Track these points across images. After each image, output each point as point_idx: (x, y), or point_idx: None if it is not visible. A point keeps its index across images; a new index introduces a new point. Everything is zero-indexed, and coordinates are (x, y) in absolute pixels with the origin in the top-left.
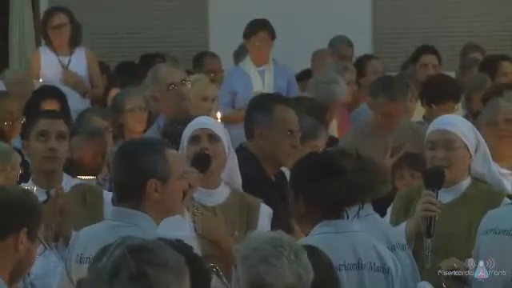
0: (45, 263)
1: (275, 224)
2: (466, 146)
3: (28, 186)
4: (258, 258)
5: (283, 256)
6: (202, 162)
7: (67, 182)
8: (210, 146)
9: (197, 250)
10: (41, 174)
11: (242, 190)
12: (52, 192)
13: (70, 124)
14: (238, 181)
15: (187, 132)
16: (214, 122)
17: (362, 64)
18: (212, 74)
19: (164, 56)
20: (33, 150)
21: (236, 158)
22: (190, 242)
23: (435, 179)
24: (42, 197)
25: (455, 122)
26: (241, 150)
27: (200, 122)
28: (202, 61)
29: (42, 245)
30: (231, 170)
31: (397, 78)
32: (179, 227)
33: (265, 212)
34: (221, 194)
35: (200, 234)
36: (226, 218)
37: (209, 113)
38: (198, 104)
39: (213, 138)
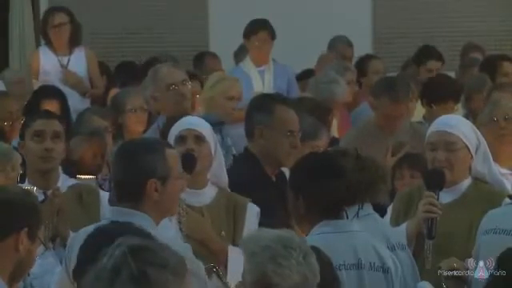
0: (42, 263)
1: (275, 224)
2: (466, 146)
3: (26, 186)
4: (266, 257)
5: (292, 257)
6: (188, 162)
7: (64, 182)
8: (195, 147)
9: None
10: (37, 174)
11: (228, 189)
12: (49, 192)
13: (70, 124)
14: (225, 179)
15: (174, 132)
16: (200, 122)
17: (363, 64)
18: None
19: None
20: (28, 150)
21: (222, 157)
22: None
23: (436, 181)
24: (39, 197)
25: (456, 123)
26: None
27: (187, 123)
28: (202, 61)
29: (42, 245)
30: (217, 169)
31: (399, 78)
32: (165, 227)
33: (252, 211)
34: (208, 194)
35: (186, 234)
36: (213, 217)
37: (233, 112)
38: (222, 103)
39: (199, 138)
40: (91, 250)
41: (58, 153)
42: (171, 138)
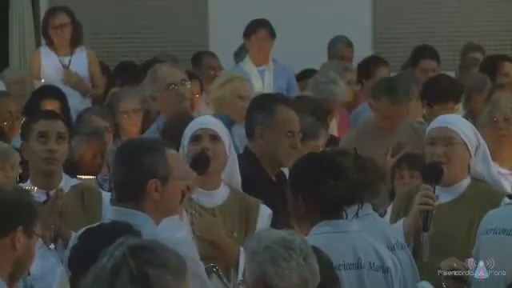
0: (43, 264)
1: (275, 224)
2: (465, 143)
3: (28, 186)
4: (267, 257)
5: (293, 259)
6: (201, 163)
7: (67, 183)
8: (211, 146)
9: (195, 252)
10: (40, 175)
11: (241, 191)
12: (52, 193)
13: (70, 124)
14: (238, 181)
15: (188, 131)
16: (215, 121)
17: (368, 66)
18: (212, 72)
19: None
20: (32, 152)
21: (236, 157)
22: (188, 243)
23: (433, 175)
24: (41, 197)
25: (456, 121)
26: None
27: (201, 122)
28: (200, 60)
29: (44, 246)
30: (231, 169)
31: (399, 79)
32: (177, 229)
33: (264, 213)
34: (220, 195)
35: (198, 235)
36: (225, 219)
37: (244, 111)
38: (233, 102)
39: (214, 138)
40: (82, 251)
41: (62, 154)
42: (186, 138)
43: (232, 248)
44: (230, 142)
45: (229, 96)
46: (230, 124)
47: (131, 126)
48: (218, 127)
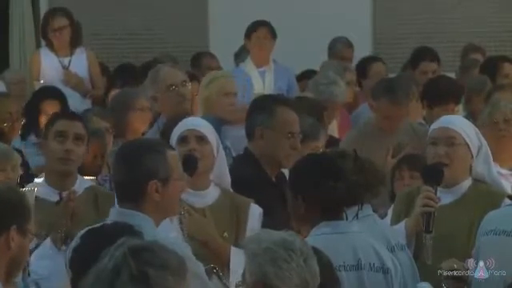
0: (51, 265)
1: (275, 225)
2: (467, 144)
3: (32, 185)
4: (267, 259)
5: (293, 260)
6: (190, 164)
7: (81, 184)
8: (198, 148)
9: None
10: (55, 175)
11: (231, 190)
12: (64, 194)
13: None
14: (228, 180)
15: (175, 132)
16: (202, 122)
17: (364, 65)
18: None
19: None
20: (49, 150)
21: (225, 158)
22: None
23: (434, 176)
24: (54, 197)
25: (459, 122)
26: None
27: (188, 123)
28: (199, 61)
29: (53, 246)
30: (220, 170)
31: (399, 80)
32: (168, 229)
33: (255, 212)
34: (210, 195)
35: (187, 235)
36: (216, 218)
37: (232, 108)
38: (220, 100)
39: (201, 139)
40: (83, 252)
41: (78, 155)
42: (173, 139)
43: (223, 247)
44: (219, 142)
45: (215, 95)
46: (219, 124)
47: (141, 124)
48: (205, 128)
